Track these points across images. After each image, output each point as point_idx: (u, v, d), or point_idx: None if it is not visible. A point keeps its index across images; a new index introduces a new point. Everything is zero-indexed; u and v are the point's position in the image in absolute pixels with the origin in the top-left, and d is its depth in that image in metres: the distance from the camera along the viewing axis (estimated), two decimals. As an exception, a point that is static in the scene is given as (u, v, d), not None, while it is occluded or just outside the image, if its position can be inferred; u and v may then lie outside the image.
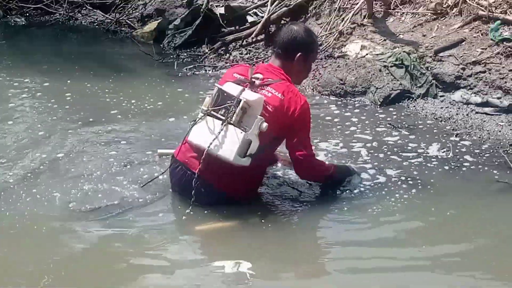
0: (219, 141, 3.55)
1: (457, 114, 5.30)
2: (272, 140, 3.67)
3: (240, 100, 3.50)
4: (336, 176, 4.01)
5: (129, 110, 5.71)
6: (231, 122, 3.52)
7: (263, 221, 3.68)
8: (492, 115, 5.17)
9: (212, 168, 3.65)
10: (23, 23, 9.29)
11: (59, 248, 3.49)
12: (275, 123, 3.58)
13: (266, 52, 6.90)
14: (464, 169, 4.43)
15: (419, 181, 4.24)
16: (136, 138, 4.96)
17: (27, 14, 9.48)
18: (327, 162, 4.13)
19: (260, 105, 3.55)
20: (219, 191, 3.73)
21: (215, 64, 7.11)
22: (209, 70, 6.96)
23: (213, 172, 3.67)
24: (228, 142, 3.52)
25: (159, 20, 8.21)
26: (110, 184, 4.12)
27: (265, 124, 3.51)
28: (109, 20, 8.82)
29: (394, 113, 5.49)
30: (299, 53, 3.73)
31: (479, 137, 4.93)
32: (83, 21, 9.02)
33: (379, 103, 5.65)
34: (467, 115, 5.26)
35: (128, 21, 8.65)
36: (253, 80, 3.65)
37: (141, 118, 5.45)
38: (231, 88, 3.59)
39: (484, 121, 5.14)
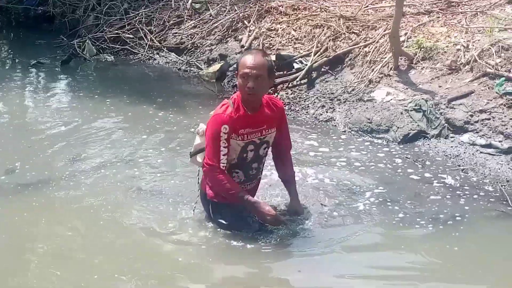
0: None
1: (464, 152, 5.36)
2: None
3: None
4: (241, 202, 3.67)
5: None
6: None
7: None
8: (494, 155, 5.22)
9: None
10: (112, 60, 9.61)
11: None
12: None
13: (308, 93, 7.05)
14: (466, 198, 4.51)
15: (428, 206, 4.35)
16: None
17: (116, 53, 9.82)
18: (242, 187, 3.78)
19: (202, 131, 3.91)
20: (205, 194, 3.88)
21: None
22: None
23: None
24: None
25: (222, 63, 8.38)
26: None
27: (198, 127, 3.95)
28: (181, 61, 9.07)
29: (411, 149, 5.58)
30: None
31: (482, 173, 4.99)
32: (160, 61, 9.29)
33: (399, 140, 5.75)
34: (473, 154, 5.31)
35: (197, 63, 8.88)
36: None
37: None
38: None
39: (487, 160, 5.19)
